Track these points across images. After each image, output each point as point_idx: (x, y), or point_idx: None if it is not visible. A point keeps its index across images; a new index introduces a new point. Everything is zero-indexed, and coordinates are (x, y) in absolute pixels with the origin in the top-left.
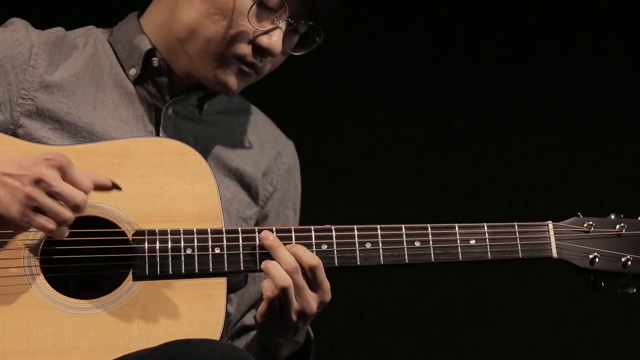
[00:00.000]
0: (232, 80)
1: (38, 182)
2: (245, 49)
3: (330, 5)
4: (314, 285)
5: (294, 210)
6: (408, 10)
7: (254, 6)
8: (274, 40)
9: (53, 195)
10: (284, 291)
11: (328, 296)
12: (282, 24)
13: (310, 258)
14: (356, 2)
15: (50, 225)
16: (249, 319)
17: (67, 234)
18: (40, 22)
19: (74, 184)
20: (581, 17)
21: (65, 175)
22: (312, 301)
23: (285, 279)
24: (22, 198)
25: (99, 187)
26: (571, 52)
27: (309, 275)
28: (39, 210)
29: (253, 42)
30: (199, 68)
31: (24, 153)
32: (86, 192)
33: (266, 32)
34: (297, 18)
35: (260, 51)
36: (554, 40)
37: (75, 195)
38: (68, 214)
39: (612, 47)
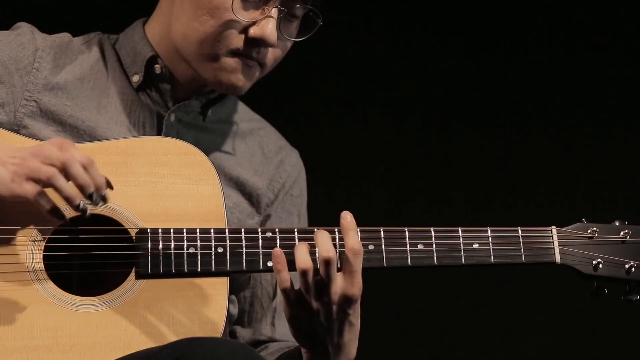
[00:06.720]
0: (233, 77)
1: (36, 154)
2: (237, 42)
3: None
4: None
5: (298, 216)
6: (408, 9)
7: None
8: (266, 29)
9: (45, 162)
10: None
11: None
12: (273, 12)
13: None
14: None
15: (35, 188)
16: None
17: (51, 205)
18: (49, 27)
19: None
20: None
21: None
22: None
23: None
24: (17, 166)
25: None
26: (575, 54)
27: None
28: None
29: (245, 35)
30: (200, 72)
31: None
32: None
33: (256, 23)
34: (288, 4)
35: (255, 43)
36: (557, 44)
37: (63, 157)
38: (52, 170)
39: (618, 51)
